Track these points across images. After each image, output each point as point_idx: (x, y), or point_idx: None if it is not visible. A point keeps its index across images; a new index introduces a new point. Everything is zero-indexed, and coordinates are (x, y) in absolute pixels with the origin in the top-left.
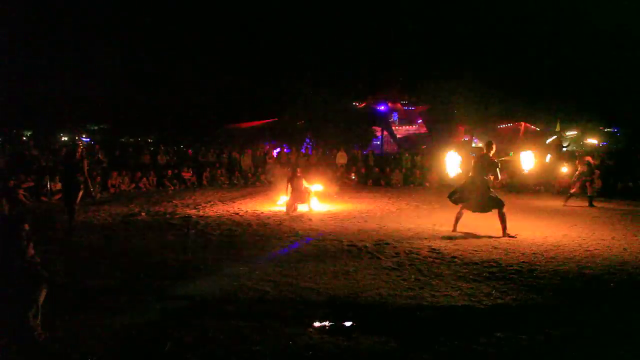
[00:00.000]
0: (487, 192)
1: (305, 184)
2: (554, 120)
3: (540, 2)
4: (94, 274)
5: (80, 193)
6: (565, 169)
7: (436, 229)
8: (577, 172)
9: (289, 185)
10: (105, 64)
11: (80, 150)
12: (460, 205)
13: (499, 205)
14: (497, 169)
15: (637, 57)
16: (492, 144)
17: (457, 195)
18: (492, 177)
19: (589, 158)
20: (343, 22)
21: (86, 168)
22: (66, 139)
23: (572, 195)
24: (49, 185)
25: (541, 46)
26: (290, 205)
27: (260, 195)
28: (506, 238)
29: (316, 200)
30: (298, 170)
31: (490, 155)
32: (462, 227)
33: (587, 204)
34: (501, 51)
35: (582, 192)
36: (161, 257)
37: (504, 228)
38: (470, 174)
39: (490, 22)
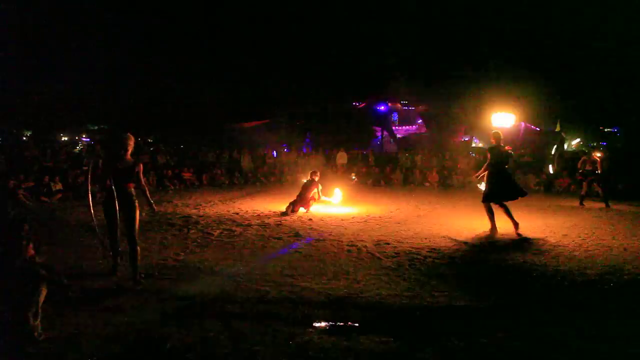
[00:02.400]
0: (513, 178)
1: (317, 192)
2: (554, 120)
3: (538, 2)
4: (94, 274)
5: (137, 213)
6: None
7: (436, 229)
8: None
9: (302, 189)
10: (106, 64)
11: (130, 143)
12: (489, 204)
13: (523, 193)
14: (510, 158)
15: (638, 56)
16: (499, 134)
17: (490, 193)
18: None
19: (595, 156)
20: (343, 22)
21: (142, 172)
22: (66, 139)
23: (584, 196)
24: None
25: (540, 46)
26: (290, 207)
27: (260, 195)
28: (506, 238)
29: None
30: (315, 174)
31: (501, 144)
32: (462, 227)
33: (602, 204)
34: (500, 51)
35: (590, 192)
36: (161, 257)
37: (514, 221)
38: (490, 169)
39: (488, 22)
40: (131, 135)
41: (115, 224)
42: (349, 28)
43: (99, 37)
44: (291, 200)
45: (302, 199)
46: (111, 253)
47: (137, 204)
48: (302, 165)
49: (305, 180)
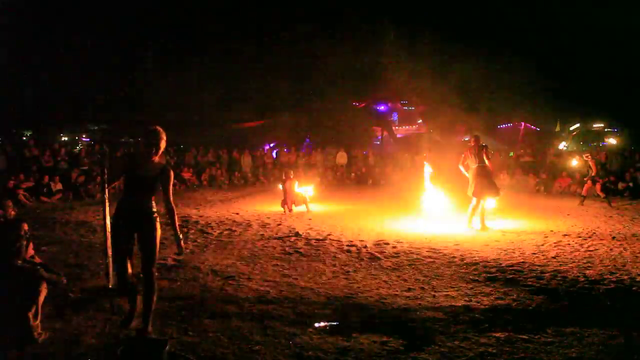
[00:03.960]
0: (492, 176)
1: (296, 187)
2: (554, 120)
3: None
4: (94, 274)
5: (158, 234)
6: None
7: (436, 229)
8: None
9: (284, 188)
10: (105, 64)
11: (162, 139)
12: (477, 200)
13: (496, 193)
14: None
15: (638, 56)
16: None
17: (475, 188)
18: (489, 162)
19: (587, 157)
20: (342, 22)
21: (171, 184)
22: (66, 139)
23: (584, 196)
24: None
25: (540, 45)
26: (284, 204)
27: (260, 195)
28: (506, 238)
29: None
30: (289, 173)
31: (480, 144)
32: (462, 227)
33: (602, 204)
34: (500, 50)
35: (592, 192)
36: (161, 257)
37: (471, 217)
38: (474, 166)
39: (487, 21)
40: (162, 130)
41: (127, 250)
42: (349, 26)
43: (99, 36)
44: (282, 200)
45: (287, 196)
46: (120, 290)
47: (158, 225)
48: (302, 166)
49: (281, 185)
